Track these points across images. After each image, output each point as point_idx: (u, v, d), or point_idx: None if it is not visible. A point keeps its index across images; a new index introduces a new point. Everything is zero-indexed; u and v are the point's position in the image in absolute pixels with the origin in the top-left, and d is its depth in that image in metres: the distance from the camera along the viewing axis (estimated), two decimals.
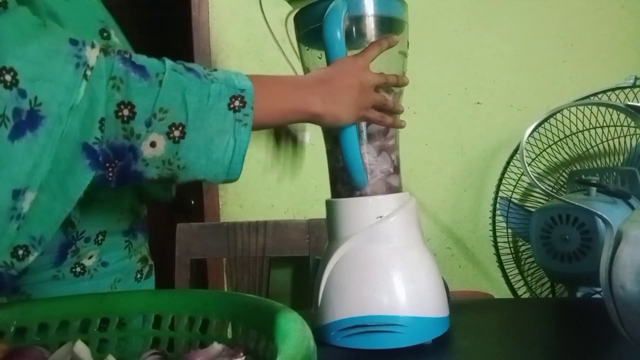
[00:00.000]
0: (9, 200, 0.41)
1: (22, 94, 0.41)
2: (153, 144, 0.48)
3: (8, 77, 0.40)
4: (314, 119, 0.61)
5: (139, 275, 0.73)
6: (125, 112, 0.46)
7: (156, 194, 0.77)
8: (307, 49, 0.73)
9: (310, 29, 0.69)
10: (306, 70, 0.75)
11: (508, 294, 1.48)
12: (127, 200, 0.71)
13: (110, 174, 0.48)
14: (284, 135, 0.82)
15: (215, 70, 0.53)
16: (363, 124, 0.70)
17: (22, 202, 0.42)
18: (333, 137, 0.71)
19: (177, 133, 0.49)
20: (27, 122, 0.41)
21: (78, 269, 0.64)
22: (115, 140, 0.46)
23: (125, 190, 0.71)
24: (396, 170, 0.74)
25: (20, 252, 0.44)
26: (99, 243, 0.66)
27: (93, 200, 0.65)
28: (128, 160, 0.48)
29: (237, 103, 0.52)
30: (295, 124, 0.61)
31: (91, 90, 0.44)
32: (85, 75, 0.44)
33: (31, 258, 0.45)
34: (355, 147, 0.67)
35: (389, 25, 0.71)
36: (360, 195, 0.70)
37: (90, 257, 0.65)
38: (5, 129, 0.40)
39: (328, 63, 0.65)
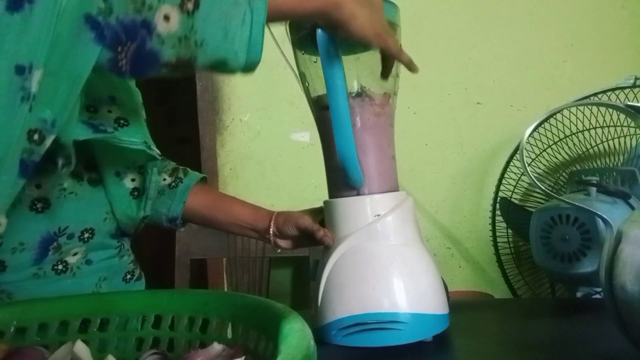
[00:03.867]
0: (12, 75, 0.39)
1: None
2: (167, 17, 0.46)
3: None
4: (331, 7, 0.56)
5: (128, 276, 0.71)
6: None
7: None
8: (303, 53, 0.73)
9: (304, 32, 0.69)
10: (302, 74, 0.75)
11: (508, 294, 1.48)
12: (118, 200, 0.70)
13: (123, 59, 0.45)
14: None
15: None
16: (358, 121, 0.70)
17: (30, 81, 0.40)
18: (328, 136, 0.71)
19: (190, 5, 0.47)
20: None
21: (60, 267, 0.63)
22: (126, 16, 0.44)
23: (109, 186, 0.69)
24: (392, 169, 0.74)
25: (35, 136, 0.42)
26: (84, 241, 0.65)
27: (76, 195, 0.64)
28: (142, 38, 0.45)
29: None
30: (310, 18, 0.57)
31: None
32: None
33: (48, 142, 0.43)
34: (351, 146, 0.67)
35: None
36: (358, 194, 0.70)
37: (74, 254, 0.64)
38: None
39: (323, 66, 0.65)
